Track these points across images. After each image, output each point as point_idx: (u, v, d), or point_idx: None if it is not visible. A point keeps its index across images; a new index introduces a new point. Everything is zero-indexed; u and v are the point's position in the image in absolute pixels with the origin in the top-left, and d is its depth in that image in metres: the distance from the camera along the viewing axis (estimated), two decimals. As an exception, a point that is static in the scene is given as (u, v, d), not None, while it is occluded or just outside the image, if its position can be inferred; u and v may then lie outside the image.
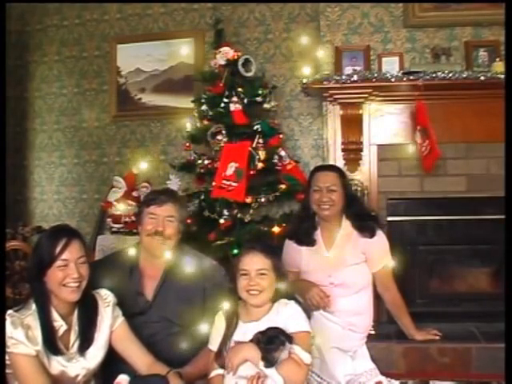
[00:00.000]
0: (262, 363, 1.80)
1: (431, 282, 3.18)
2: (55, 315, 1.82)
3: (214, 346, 1.97)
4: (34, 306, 1.80)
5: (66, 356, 1.81)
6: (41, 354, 1.75)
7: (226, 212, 3.16)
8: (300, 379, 1.86)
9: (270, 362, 1.79)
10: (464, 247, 3.12)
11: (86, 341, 1.85)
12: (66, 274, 1.79)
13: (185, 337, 2.16)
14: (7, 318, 1.75)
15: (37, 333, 1.75)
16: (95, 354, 1.88)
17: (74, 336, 1.85)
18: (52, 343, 1.77)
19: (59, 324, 1.82)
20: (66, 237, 1.81)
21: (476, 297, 3.08)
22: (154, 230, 2.17)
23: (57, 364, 1.80)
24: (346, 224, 2.55)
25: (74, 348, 1.84)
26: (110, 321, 1.92)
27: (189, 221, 3.19)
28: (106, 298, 1.95)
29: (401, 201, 3.12)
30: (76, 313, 1.87)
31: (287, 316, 1.90)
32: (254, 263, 1.92)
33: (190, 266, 2.25)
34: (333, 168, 2.69)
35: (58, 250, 1.79)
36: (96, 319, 1.90)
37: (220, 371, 1.90)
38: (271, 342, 1.81)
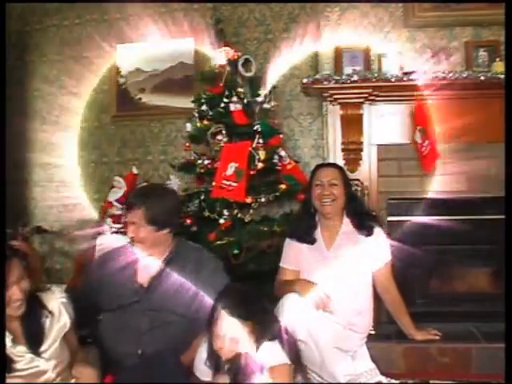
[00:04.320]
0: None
1: (431, 281, 3.18)
2: None
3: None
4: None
5: None
6: None
7: (225, 212, 3.15)
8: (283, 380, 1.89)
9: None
10: (464, 247, 3.12)
11: None
12: None
13: (180, 325, 2.18)
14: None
15: None
16: None
17: None
18: None
19: None
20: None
21: (476, 297, 3.08)
22: (128, 234, 2.24)
23: None
24: (347, 222, 2.56)
25: None
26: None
27: (188, 221, 3.20)
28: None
29: (401, 201, 3.12)
30: None
31: (262, 352, 1.92)
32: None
33: (187, 255, 2.29)
34: (334, 165, 2.73)
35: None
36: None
37: None
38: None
